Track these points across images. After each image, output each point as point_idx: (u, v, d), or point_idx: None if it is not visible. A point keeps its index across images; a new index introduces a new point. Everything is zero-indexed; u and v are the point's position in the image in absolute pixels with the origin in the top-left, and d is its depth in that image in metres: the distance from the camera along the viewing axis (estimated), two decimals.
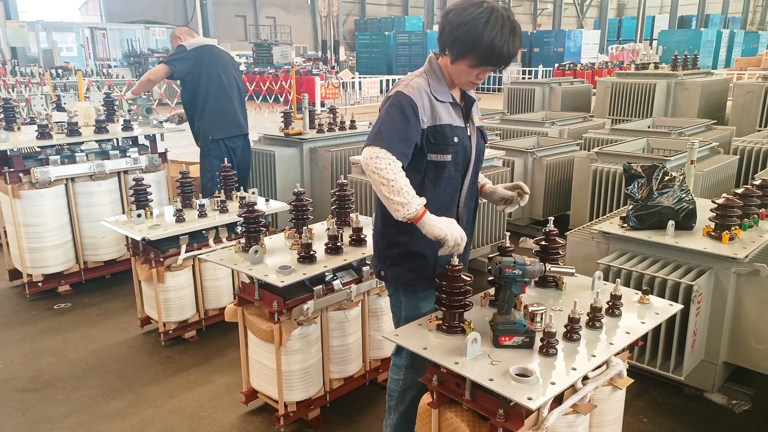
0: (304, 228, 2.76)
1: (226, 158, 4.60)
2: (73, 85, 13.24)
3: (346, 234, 2.89)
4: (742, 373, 3.03)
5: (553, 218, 2.36)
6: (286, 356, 2.70)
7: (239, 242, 2.81)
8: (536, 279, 2.18)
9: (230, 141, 4.72)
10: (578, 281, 2.39)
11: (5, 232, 4.52)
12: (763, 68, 15.12)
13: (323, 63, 21.02)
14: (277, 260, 2.69)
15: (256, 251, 2.64)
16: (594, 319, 1.99)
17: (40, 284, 4.40)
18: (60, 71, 14.30)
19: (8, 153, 4.18)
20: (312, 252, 2.65)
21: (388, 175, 1.87)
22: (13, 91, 11.66)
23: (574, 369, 1.78)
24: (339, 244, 2.74)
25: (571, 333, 1.92)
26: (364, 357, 3.06)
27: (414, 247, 2.10)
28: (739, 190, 2.99)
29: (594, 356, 1.86)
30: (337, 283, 2.75)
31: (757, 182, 3.17)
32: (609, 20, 34.33)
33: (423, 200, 1.93)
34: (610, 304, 2.09)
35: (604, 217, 3.45)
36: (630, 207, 2.97)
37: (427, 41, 24.34)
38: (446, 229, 1.92)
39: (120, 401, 3.15)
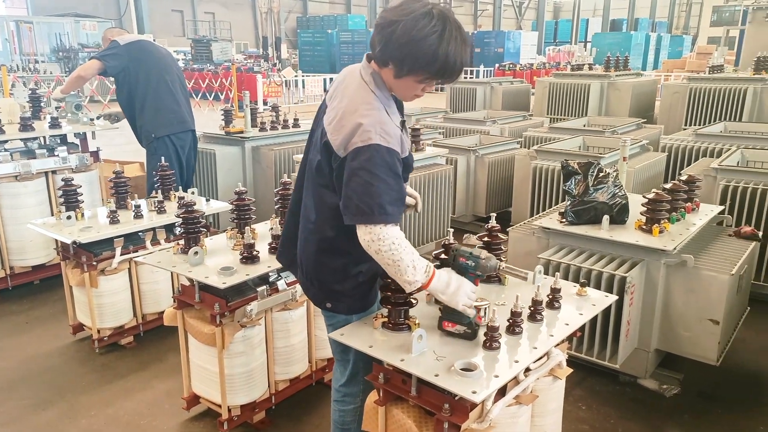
0: (246, 228, 2.69)
1: (173, 156, 4.46)
2: None
3: None
4: (672, 359, 3.20)
5: (495, 215, 2.40)
6: (229, 359, 2.63)
7: (178, 244, 2.72)
8: (492, 275, 2.16)
9: (177, 138, 4.53)
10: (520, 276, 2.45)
11: None
12: (688, 70, 16.04)
13: (264, 60, 20.65)
14: (218, 261, 2.62)
15: (196, 252, 2.56)
16: (535, 312, 2.04)
17: None
18: None
19: None
20: (255, 252, 2.59)
21: (393, 256, 1.76)
22: None
23: (517, 361, 1.82)
24: None
25: (514, 326, 1.96)
26: (310, 357, 3.03)
27: (371, 273, 1.99)
28: (668, 186, 3.15)
29: (535, 348, 1.90)
30: (281, 283, 2.70)
31: (684, 178, 3.34)
32: (546, 22, 35.49)
33: (430, 267, 1.84)
34: (550, 297, 2.15)
35: (544, 212, 3.56)
36: (568, 203, 3.08)
37: (370, 40, 24.40)
38: (458, 296, 1.85)
39: (52, 412, 2.99)
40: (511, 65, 19.63)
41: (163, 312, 3.11)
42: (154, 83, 4.44)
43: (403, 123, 1.95)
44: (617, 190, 3.02)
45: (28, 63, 16.89)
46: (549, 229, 3.10)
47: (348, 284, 2.00)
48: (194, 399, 2.87)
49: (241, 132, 5.05)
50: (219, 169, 4.88)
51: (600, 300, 2.25)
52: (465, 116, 7.52)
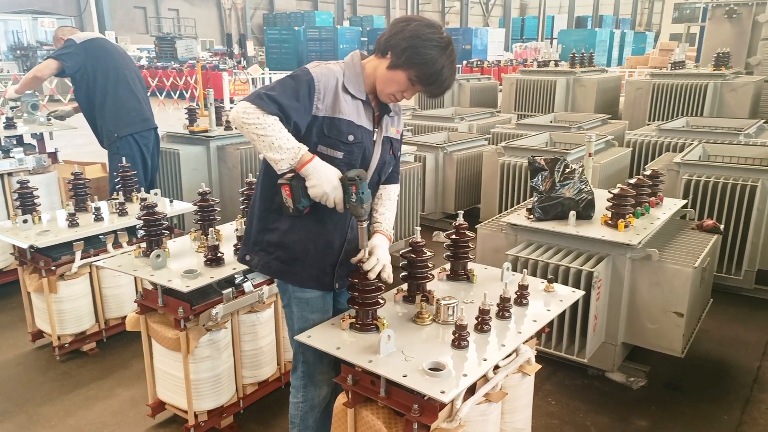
0: (210, 229, 2.62)
1: (137, 155, 4.33)
2: None
3: None
4: (639, 352, 3.25)
5: (462, 212, 2.39)
6: (194, 364, 2.56)
7: (139, 247, 2.64)
8: (360, 215, 1.92)
9: (140, 136, 4.40)
10: (489, 273, 2.45)
11: None
12: (651, 66, 16.40)
13: (229, 58, 20.32)
14: (182, 264, 2.55)
15: (158, 255, 2.48)
16: (503, 309, 2.04)
17: None
18: None
19: None
20: (219, 254, 2.53)
21: (258, 130, 1.77)
22: None
23: (485, 360, 1.82)
24: None
25: (482, 324, 1.96)
26: (279, 359, 2.98)
27: (289, 240, 1.99)
28: (632, 181, 3.19)
29: (504, 346, 1.90)
30: (247, 285, 2.65)
31: (648, 173, 3.40)
32: (513, 19, 35.91)
33: (303, 147, 1.82)
34: (518, 294, 2.15)
35: (512, 209, 3.58)
36: (535, 199, 3.09)
37: (338, 37, 24.27)
38: (327, 188, 1.83)
39: (9, 424, 2.87)
40: (478, 62, 19.75)
41: (126, 317, 3.02)
42: (113, 81, 4.31)
43: (363, 102, 1.98)
44: (583, 186, 3.04)
45: None
46: (517, 225, 3.12)
47: (265, 237, 2.02)
48: (159, 406, 2.80)
49: (206, 131, 4.94)
50: (183, 169, 4.77)
51: (567, 296, 2.26)
52: (433, 113, 7.53)
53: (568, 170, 3.05)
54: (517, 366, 2.05)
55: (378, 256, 1.99)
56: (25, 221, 3.24)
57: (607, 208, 3.03)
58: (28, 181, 3.40)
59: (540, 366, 2.16)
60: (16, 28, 19.90)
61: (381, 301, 1.97)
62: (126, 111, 4.36)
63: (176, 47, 21.31)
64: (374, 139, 2.03)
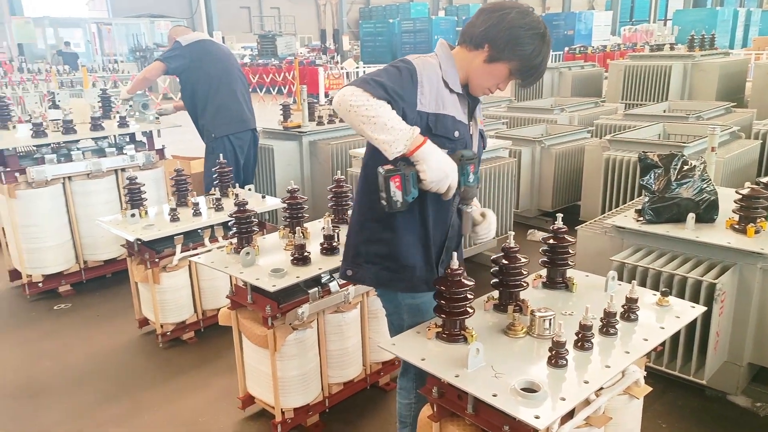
0: (297, 228, 2.61)
1: (230, 156, 4.50)
2: (79, 81, 13.20)
3: (344, 232, 2.73)
4: (767, 374, 2.85)
5: (561, 215, 2.18)
6: (281, 362, 2.57)
7: (231, 243, 2.68)
8: (467, 199, 1.89)
9: (236, 138, 4.57)
10: (590, 281, 2.23)
11: (3, 232, 4.44)
12: None
13: (323, 53, 20.78)
14: (270, 261, 2.56)
15: (248, 253, 2.51)
16: (608, 325, 1.83)
17: (40, 284, 4.32)
18: (67, 68, 14.26)
19: (4, 152, 4.08)
20: (306, 253, 2.51)
21: (368, 111, 1.64)
22: (18, 87, 11.62)
23: (587, 382, 1.63)
24: (335, 243, 2.60)
25: (583, 341, 1.76)
26: (365, 360, 2.93)
27: (397, 247, 1.91)
28: (765, 179, 2.79)
29: (608, 367, 1.70)
30: (333, 285, 2.61)
31: None
32: (621, 0, 33.59)
33: (416, 129, 1.69)
34: (626, 307, 1.93)
35: (618, 209, 3.27)
36: (646, 199, 2.79)
37: (432, 28, 23.94)
38: (445, 171, 1.72)
39: (117, 408, 3.05)
40: (582, 48, 18.68)
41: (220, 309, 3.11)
42: (215, 83, 4.49)
43: (459, 96, 1.90)
44: (704, 185, 2.70)
45: (108, 63, 17.81)
46: (624, 228, 2.83)
47: (372, 248, 1.95)
48: (249, 399, 2.85)
49: (299, 126, 5.01)
50: (277, 165, 4.87)
51: (685, 311, 2.00)
52: (530, 105, 7.18)
53: (686, 167, 2.71)
54: (624, 388, 1.84)
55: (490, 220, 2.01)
56: (133, 215, 3.43)
57: (733, 211, 2.67)
58: (136, 177, 3.59)
59: (650, 389, 1.93)
60: (136, 32, 21.62)
61: (470, 311, 1.83)
62: (224, 112, 4.53)
63: (276, 44, 22.08)
64: (470, 132, 1.95)
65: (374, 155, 1.83)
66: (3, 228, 4.43)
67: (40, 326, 3.95)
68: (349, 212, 2.88)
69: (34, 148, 4.29)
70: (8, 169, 4.08)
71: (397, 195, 1.70)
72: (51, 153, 4.25)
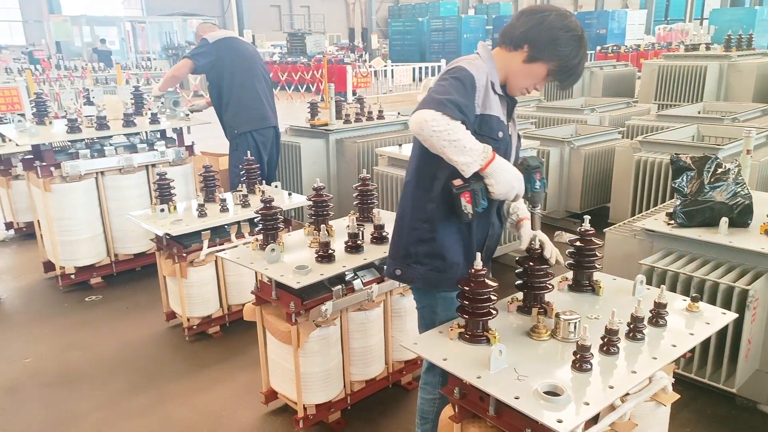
0: (322, 225, 2.63)
1: (254, 152, 4.54)
2: (113, 78, 13.50)
3: (368, 231, 2.75)
4: None
5: (589, 217, 2.14)
6: (304, 358, 2.59)
7: (256, 240, 2.71)
8: (535, 202, 1.98)
9: (258, 134, 4.64)
10: (618, 285, 2.19)
11: (39, 224, 4.57)
12: None
13: (351, 51, 20.82)
14: (295, 258, 2.58)
15: (273, 249, 2.53)
16: (635, 330, 1.80)
17: (72, 276, 4.43)
18: (101, 65, 14.61)
19: (40, 147, 4.20)
20: (330, 251, 2.52)
21: (450, 136, 1.73)
22: (55, 84, 11.94)
23: (612, 387, 1.60)
24: (359, 242, 2.61)
25: (609, 346, 1.73)
26: (387, 359, 2.94)
27: (445, 247, 1.97)
28: None
29: (635, 373, 1.67)
30: (357, 283, 2.62)
31: None
32: None
33: (489, 148, 1.80)
34: (654, 312, 1.89)
35: (648, 212, 3.20)
36: (678, 202, 2.73)
37: (462, 26, 23.75)
38: (512, 183, 1.82)
39: (144, 398, 3.12)
40: (614, 47, 18.31)
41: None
42: (239, 80, 4.55)
43: (501, 97, 1.96)
44: (739, 188, 2.62)
45: (141, 60, 18.19)
46: (654, 231, 2.77)
47: (421, 249, 2.00)
48: (272, 394, 2.88)
49: (326, 124, 5.03)
50: (304, 162, 4.91)
51: (715, 318, 1.95)
52: (560, 104, 7.08)
53: (720, 170, 2.64)
54: (651, 394, 1.80)
55: (551, 243, 1.99)
56: (162, 210, 3.50)
57: None
58: (166, 173, 3.66)
59: (678, 396, 1.89)
60: (169, 30, 22.00)
61: (493, 312, 1.82)
62: (246, 109, 4.59)
63: (306, 42, 22.23)
64: (510, 132, 2.00)
65: (424, 156, 1.92)
66: (38, 221, 4.56)
67: (72, 317, 4.06)
68: (374, 211, 2.89)
69: (69, 144, 4.41)
70: (44, 164, 4.20)
71: (468, 208, 1.82)
72: (85, 148, 4.36)
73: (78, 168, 4.22)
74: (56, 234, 4.29)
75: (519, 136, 2.16)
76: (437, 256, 1.99)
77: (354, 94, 13.80)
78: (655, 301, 1.89)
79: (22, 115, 5.88)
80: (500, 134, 1.92)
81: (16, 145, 4.83)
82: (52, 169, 4.21)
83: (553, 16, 1.87)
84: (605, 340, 1.74)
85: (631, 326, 1.80)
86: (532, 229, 1.99)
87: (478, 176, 1.81)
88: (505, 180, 1.81)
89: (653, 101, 7.61)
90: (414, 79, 18.05)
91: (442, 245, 1.98)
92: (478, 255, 1.82)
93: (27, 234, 5.47)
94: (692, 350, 2.52)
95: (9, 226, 5.65)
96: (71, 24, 20.49)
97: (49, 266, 4.59)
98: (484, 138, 1.87)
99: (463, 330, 1.83)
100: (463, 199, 1.80)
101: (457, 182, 1.81)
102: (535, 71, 1.90)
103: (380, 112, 5.54)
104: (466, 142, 1.75)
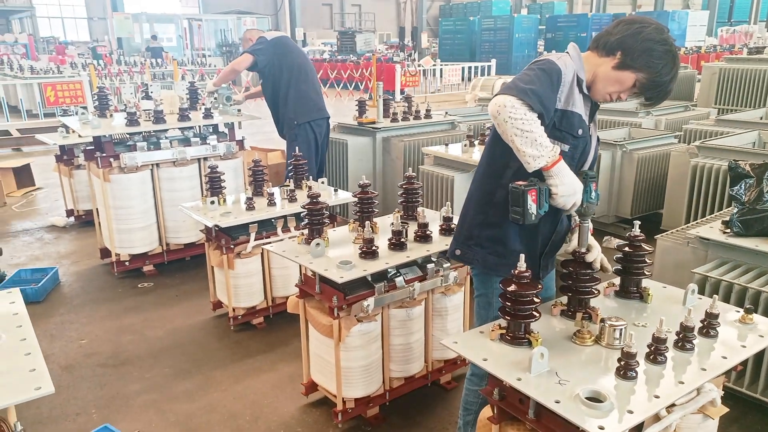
0: (367, 222, 2.65)
1: (312, 142, 4.72)
2: (170, 74, 13.97)
3: (412, 229, 2.76)
4: None
5: (639, 222, 2.09)
6: (345, 352, 2.62)
7: (302, 234, 2.76)
8: (587, 213, 1.95)
9: (315, 124, 4.86)
10: (667, 293, 2.12)
11: (97, 212, 4.79)
12: None
13: (401, 50, 20.83)
14: (339, 253, 2.62)
15: (318, 244, 2.58)
16: (684, 339, 1.74)
17: (127, 263, 4.62)
18: (159, 61, 15.15)
19: (101, 139, 4.40)
20: (374, 247, 2.54)
21: (524, 125, 1.76)
22: (116, 79, 12.46)
23: (657, 396, 1.56)
24: (403, 239, 2.62)
25: (656, 354, 1.69)
26: (427, 357, 2.94)
27: (509, 234, 2.00)
28: None
29: (682, 383, 1.62)
30: (399, 280, 2.63)
31: None
32: (719, 0, 31.48)
33: (557, 148, 1.82)
34: (705, 322, 1.83)
35: (703, 219, 3.09)
36: (734, 210, 2.62)
37: (513, 26, 23.39)
38: (575, 188, 1.83)
39: (189, 383, 3.23)
40: None
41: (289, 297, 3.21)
42: (296, 75, 4.79)
43: (585, 96, 1.97)
44: None
45: (196, 57, 18.75)
46: (708, 239, 2.67)
47: (484, 232, 2.04)
48: (312, 386, 2.93)
49: (373, 122, 5.07)
50: (350, 159, 4.96)
51: None
52: (613, 107, 6.86)
53: None
54: (698, 407, 1.74)
55: (598, 247, 1.97)
56: (212, 202, 3.61)
57: None
58: (217, 167, 3.77)
59: (726, 409, 1.82)
60: (223, 27, 22.60)
61: (536, 314, 1.80)
62: (305, 101, 4.81)
63: (356, 41, 22.41)
64: (590, 133, 2.01)
65: (500, 142, 1.91)
66: (97, 209, 4.78)
67: (125, 302, 4.24)
68: (419, 209, 2.90)
69: (128, 136, 4.59)
70: (104, 155, 4.39)
71: (533, 208, 1.82)
72: (142, 141, 4.54)
73: (135, 159, 4.40)
74: (113, 222, 4.48)
75: (598, 139, 2.16)
76: (499, 241, 2.02)
77: (402, 92, 13.83)
78: (706, 311, 1.83)
79: (84, 107, 6.16)
80: (580, 132, 1.93)
81: (79, 136, 5.07)
82: (111, 160, 4.40)
83: (651, 29, 1.88)
84: (652, 348, 1.70)
85: (680, 335, 1.75)
86: (579, 244, 1.97)
87: (541, 178, 1.82)
88: (569, 182, 1.82)
89: (713, 105, 7.32)
90: (463, 79, 17.92)
91: (505, 232, 2.01)
92: (522, 256, 1.81)
93: (86, 221, 5.73)
94: (744, 363, 2.43)
95: (70, 213, 5.95)
96: (132, 21, 21.32)
97: (105, 253, 4.80)
98: (563, 134, 1.90)
99: (504, 331, 1.82)
100: (530, 197, 1.80)
101: (521, 182, 1.82)
102: (623, 79, 1.90)
103: (428, 111, 5.53)
104: (538, 135, 1.77)
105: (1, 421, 1.66)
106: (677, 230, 3.03)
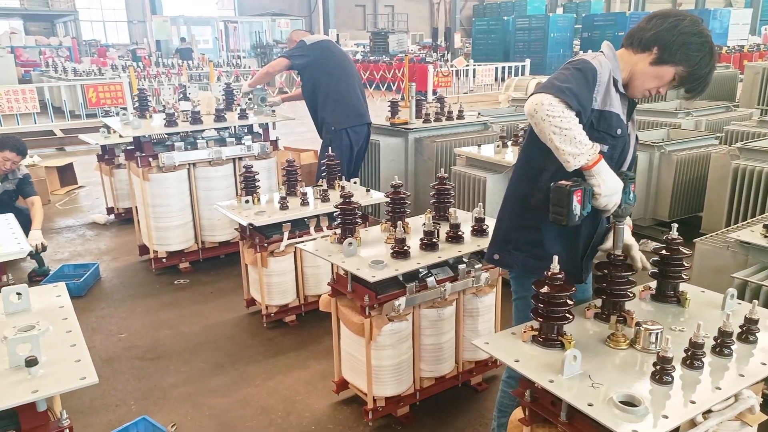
0: (399, 222, 2.67)
1: (346, 149, 4.72)
2: (206, 75, 14.26)
3: (444, 230, 2.77)
4: None
5: (677, 225, 2.05)
6: (376, 351, 2.65)
7: (334, 233, 2.80)
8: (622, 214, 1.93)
9: (353, 131, 4.84)
10: (706, 298, 2.08)
11: (136, 210, 4.93)
12: None
13: (434, 51, 20.77)
14: (371, 253, 2.64)
15: (350, 243, 2.60)
16: (722, 345, 1.71)
17: (164, 260, 4.75)
18: (196, 62, 15.50)
19: (141, 139, 4.54)
20: (406, 247, 2.56)
21: (562, 123, 1.74)
22: (155, 80, 12.79)
23: (693, 402, 1.53)
24: (435, 240, 2.63)
25: (693, 359, 1.65)
26: (458, 358, 2.94)
27: (548, 236, 1.99)
28: None
29: (719, 389, 1.59)
30: (431, 280, 2.64)
31: None
32: None
33: (597, 146, 1.80)
34: (744, 328, 1.78)
35: (744, 223, 3.01)
36: None
37: (549, 26, 23.06)
38: (616, 188, 1.81)
39: (224, 377, 3.31)
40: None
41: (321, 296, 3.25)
42: (336, 79, 4.77)
43: (622, 95, 1.95)
44: None
45: (231, 58, 19.09)
46: (749, 243, 2.60)
47: (523, 236, 2.03)
48: (343, 384, 2.96)
49: (405, 123, 5.09)
50: (382, 159, 4.99)
51: None
52: (652, 107, 6.73)
53: None
54: (736, 413, 1.70)
55: (636, 246, 1.98)
56: (246, 201, 3.68)
57: None
58: (252, 166, 3.84)
59: (766, 417, 1.77)
60: (258, 29, 22.94)
61: (569, 316, 1.79)
62: (344, 107, 4.80)
63: (388, 41, 22.45)
64: (629, 132, 1.99)
65: (536, 145, 1.90)
66: (136, 207, 4.92)
67: (162, 298, 4.36)
68: (451, 210, 2.90)
69: (166, 136, 4.72)
70: (144, 155, 4.53)
71: (577, 209, 1.79)
72: (180, 141, 4.65)
73: (173, 159, 4.51)
74: (151, 219, 4.61)
75: (637, 138, 2.13)
76: (537, 244, 2.01)
77: (434, 93, 13.80)
78: (746, 317, 1.78)
79: (124, 108, 6.34)
80: (618, 131, 1.90)
81: (120, 136, 5.23)
82: (150, 159, 4.53)
83: (687, 22, 1.85)
84: (689, 353, 1.66)
85: (718, 341, 1.71)
86: (614, 246, 1.94)
87: (583, 177, 1.81)
88: (611, 182, 1.79)
89: (756, 106, 7.10)
90: (496, 79, 17.77)
91: (543, 236, 2.00)
92: (555, 258, 1.80)
93: (126, 219, 5.91)
94: None
95: (110, 211, 6.15)
96: (170, 24, 21.84)
97: (143, 250, 4.93)
98: (601, 134, 1.88)
99: (536, 333, 1.82)
100: (575, 197, 1.76)
101: (565, 181, 1.78)
102: (662, 73, 1.88)
103: (460, 111, 5.52)
104: (577, 133, 1.75)
105: (48, 410, 1.74)
106: (717, 234, 2.95)
